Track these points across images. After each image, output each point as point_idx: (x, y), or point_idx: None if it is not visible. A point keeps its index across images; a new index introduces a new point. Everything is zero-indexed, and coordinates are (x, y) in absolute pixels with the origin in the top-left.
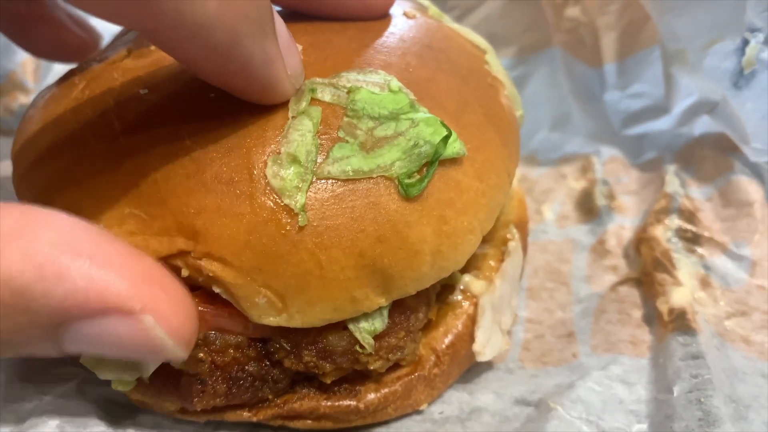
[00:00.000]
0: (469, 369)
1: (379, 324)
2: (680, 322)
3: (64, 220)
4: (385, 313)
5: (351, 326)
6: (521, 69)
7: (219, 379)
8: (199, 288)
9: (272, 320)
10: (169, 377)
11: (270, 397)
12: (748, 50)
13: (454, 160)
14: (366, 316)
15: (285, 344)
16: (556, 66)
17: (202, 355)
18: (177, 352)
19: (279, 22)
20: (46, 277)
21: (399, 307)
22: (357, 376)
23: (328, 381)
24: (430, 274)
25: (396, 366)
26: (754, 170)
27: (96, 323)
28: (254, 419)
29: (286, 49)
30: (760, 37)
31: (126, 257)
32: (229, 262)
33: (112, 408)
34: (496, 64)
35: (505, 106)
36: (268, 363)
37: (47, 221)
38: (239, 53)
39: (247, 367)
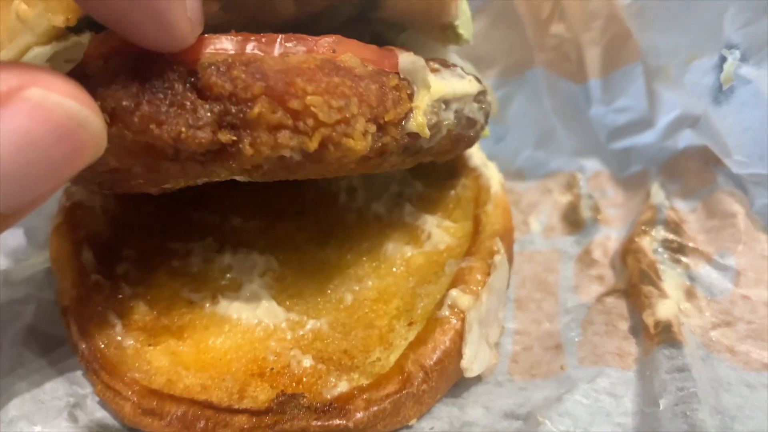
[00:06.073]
0: (458, 382)
1: None
2: (666, 335)
3: None
4: None
5: None
6: (505, 90)
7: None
8: None
9: None
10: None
11: (184, 133)
12: (726, 66)
13: None
14: None
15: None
16: (539, 85)
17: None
18: (90, 118)
19: None
20: None
21: None
22: (346, 397)
23: (256, 149)
24: None
25: (384, 384)
26: (737, 182)
27: None
28: None
29: None
30: (737, 53)
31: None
32: None
33: None
34: None
35: None
36: (193, 92)
37: None
38: None
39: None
